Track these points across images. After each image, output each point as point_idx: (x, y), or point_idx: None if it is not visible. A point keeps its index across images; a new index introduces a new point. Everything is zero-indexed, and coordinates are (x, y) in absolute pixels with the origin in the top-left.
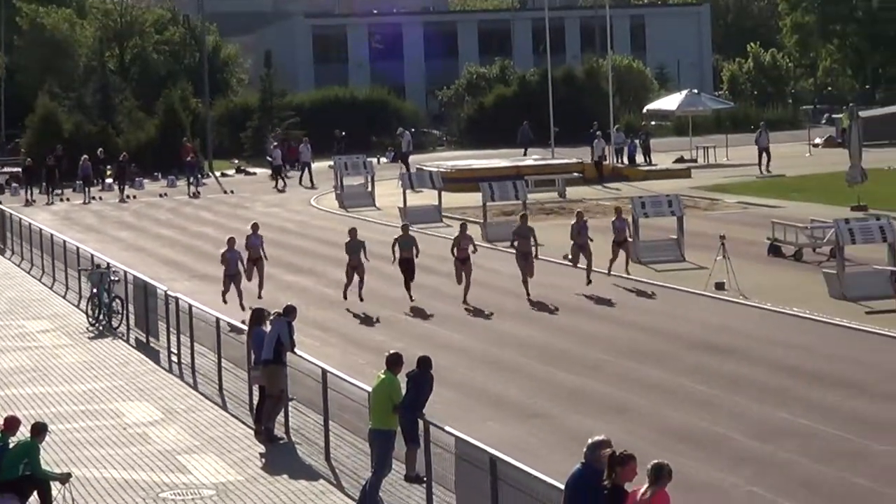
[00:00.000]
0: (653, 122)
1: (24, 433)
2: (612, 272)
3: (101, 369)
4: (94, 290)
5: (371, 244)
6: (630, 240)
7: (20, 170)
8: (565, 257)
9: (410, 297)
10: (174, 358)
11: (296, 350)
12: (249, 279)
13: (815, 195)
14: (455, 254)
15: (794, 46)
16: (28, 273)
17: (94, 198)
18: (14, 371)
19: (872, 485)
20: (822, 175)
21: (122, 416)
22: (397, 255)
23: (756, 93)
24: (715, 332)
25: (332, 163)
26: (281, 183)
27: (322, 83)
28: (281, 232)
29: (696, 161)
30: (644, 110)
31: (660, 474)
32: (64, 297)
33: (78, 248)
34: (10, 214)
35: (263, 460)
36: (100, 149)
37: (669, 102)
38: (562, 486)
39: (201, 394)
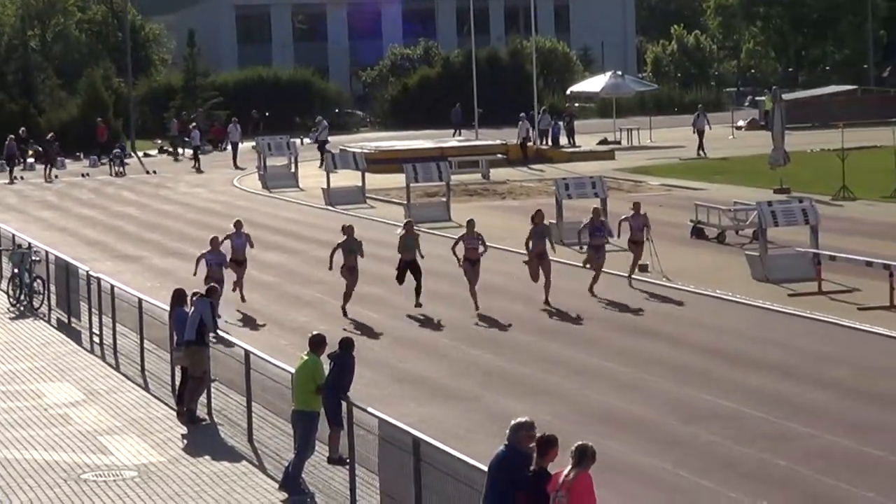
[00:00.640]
0: (576, 104)
1: None
2: (633, 276)
3: (22, 350)
4: (16, 271)
5: (293, 226)
6: (648, 240)
7: None
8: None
9: (418, 301)
10: (96, 339)
11: (218, 331)
12: (235, 288)
13: (738, 178)
14: (458, 254)
15: (717, 29)
16: None
17: (16, 178)
18: None
19: (794, 466)
20: (745, 157)
21: (43, 397)
22: (400, 255)
23: (680, 75)
24: (638, 314)
25: (255, 143)
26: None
27: (246, 63)
28: (204, 212)
29: (619, 143)
30: (568, 92)
31: (583, 456)
32: None
33: None
34: None
35: (185, 441)
36: (22, 128)
37: (593, 84)
38: (485, 468)
39: (123, 375)
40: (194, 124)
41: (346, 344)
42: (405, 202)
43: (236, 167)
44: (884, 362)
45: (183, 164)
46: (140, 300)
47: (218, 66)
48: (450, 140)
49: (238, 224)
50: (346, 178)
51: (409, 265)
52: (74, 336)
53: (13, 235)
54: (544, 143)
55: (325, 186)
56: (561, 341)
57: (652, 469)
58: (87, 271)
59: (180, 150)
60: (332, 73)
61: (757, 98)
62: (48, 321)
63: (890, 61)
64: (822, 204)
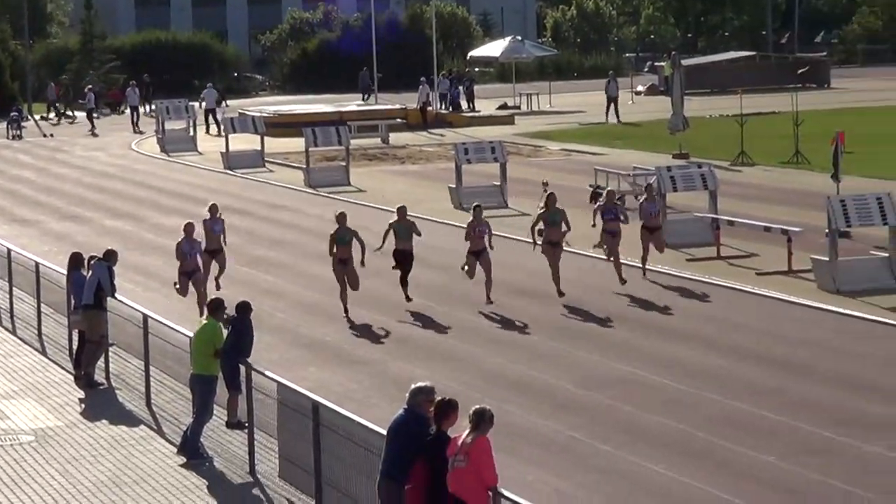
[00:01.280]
0: (476, 69)
1: None
2: (647, 270)
3: None
4: None
5: (192, 189)
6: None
7: None
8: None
9: (407, 296)
10: None
11: (116, 295)
12: (206, 277)
13: (637, 143)
14: (469, 242)
15: None
16: None
17: None
18: None
19: (693, 431)
20: (644, 123)
21: None
22: (392, 244)
23: (579, 40)
24: (539, 278)
25: (153, 107)
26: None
27: (144, 26)
28: (102, 176)
29: (519, 108)
30: (468, 57)
31: (481, 420)
32: None
33: None
34: None
35: (83, 406)
36: None
37: (493, 49)
38: (384, 432)
39: (20, 339)
40: (90, 86)
41: (243, 307)
42: (304, 166)
43: (135, 131)
44: (781, 327)
45: (79, 128)
46: (37, 264)
47: (116, 28)
48: (349, 104)
49: (213, 208)
50: (245, 142)
51: (403, 256)
52: None
53: None
54: (444, 107)
55: (223, 150)
56: (461, 307)
57: (549, 431)
58: None
59: (70, 114)
60: (230, 36)
61: (656, 64)
62: None
63: (788, 27)
64: (720, 169)
